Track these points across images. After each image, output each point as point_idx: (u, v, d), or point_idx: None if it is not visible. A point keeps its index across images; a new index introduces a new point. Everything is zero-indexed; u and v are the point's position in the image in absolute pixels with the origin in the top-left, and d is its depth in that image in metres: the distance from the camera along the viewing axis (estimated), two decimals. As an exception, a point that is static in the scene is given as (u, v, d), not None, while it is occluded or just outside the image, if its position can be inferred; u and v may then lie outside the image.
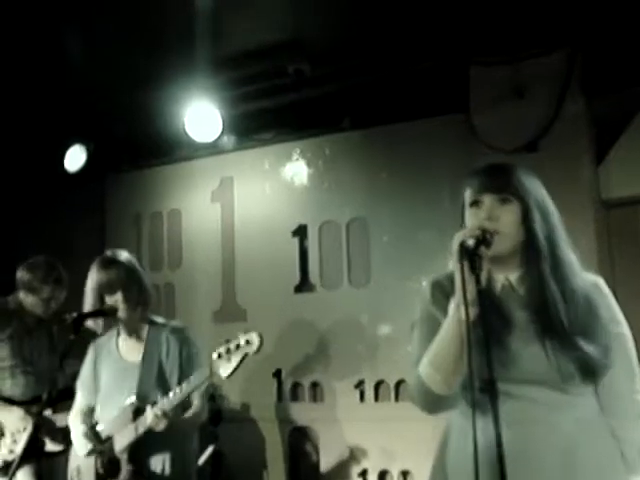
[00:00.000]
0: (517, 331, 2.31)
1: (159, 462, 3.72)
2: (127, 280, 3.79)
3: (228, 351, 3.45)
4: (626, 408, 2.34)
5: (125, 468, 3.65)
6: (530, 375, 2.25)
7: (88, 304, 3.79)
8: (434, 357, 2.32)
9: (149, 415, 3.55)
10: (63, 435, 4.31)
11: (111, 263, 3.82)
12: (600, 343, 2.26)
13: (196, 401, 3.81)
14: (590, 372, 2.26)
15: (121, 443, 3.68)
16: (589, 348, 2.24)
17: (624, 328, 2.39)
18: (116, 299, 3.75)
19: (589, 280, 2.39)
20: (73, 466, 3.91)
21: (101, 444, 3.77)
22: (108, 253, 3.92)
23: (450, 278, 2.33)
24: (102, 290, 3.76)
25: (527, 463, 2.09)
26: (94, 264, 3.85)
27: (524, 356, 2.26)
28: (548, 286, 2.29)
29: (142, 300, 3.87)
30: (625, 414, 2.34)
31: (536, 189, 2.38)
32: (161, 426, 3.54)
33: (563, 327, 2.25)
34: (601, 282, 2.43)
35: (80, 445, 3.83)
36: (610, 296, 2.42)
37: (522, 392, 2.20)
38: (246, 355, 3.44)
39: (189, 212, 6.19)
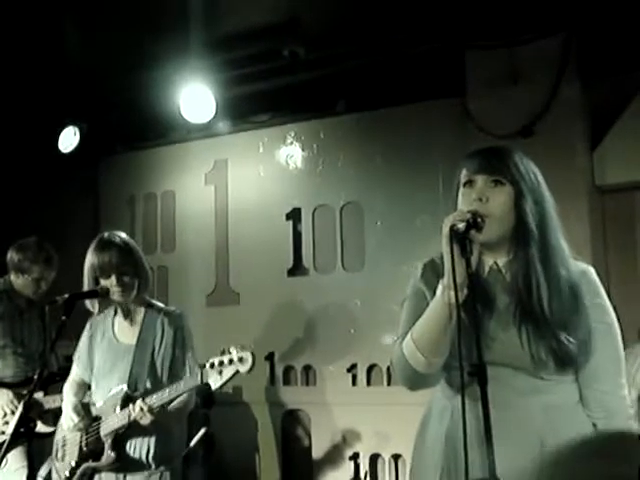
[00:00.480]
0: (497, 315, 2.32)
1: (143, 450, 3.72)
2: (121, 263, 3.76)
3: (221, 364, 3.44)
4: (609, 402, 2.32)
5: (107, 453, 3.66)
6: (504, 358, 2.26)
7: (85, 285, 3.77)
8: (418, 337, 2.33)
9: (136, 408, 3.55)
10: (54, 417, 4.31)
11: (105, 246, 3.77)
12: (578, 336, 2.26)
13: (184, 395, 3.78)
14: (565, 362, 2.26)
15: (107, 427, 3.68)
16: (566, 339, 2.23)
17: (610, 319, 2.37)
18: (110, 282, 3.74)
19: (579, 269, 2.38)
20: (59, 436, 3.92)
21: (87, 421, 3.77)
22: (105, 235, 3.85)
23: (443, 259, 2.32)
24: (96, 272, 3.74)
25: (498, 445, 2.09)
26: (91, 246, 3.81)
27: (500, 339, 2.27)
28: (534, 272, 2.29)
29: (137, 283, 3.84)
30: (607, 409, 2.32)
31: (531, 174, 2.36)
32: (145, 421, 3.54)
33: (543, 315, 2.25)
34: (590, 271, 2.41)
35: (67, 417, 3.83)
36: (598, 286, 2.40)
37: (495, 374, 2.18)
38: (237, 372, 3.45)
39: (183, 194, 6.18)
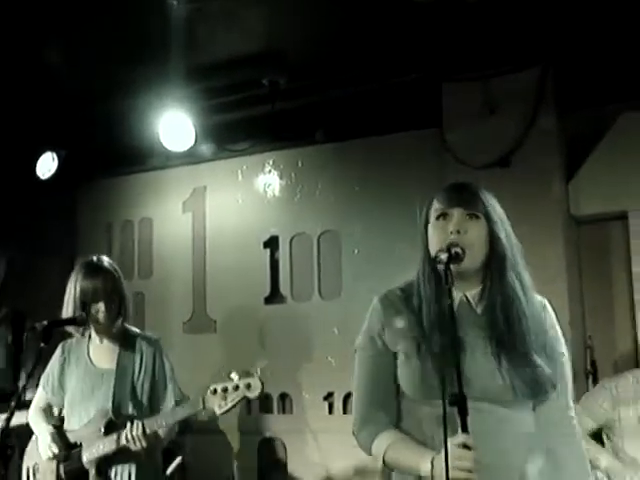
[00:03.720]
0: (471, 349, 2.32)
1: (124, 476, 3.69)
2: (111, 290, 3.77)
3: (225, 390, 3.45)
4: (561, 428, 2.40)
5: (94, 479, 3.62)
6: (483, 392, 2.26)
7: (69, 311, 3.73)
8: (391, 462, 2.40)
9: (129, 433, 3.53)
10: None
11: (96, 271, 3.77)
12: (552, 361, 2.33)
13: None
14: (541, 389, 2.30)
15: (90, 454, 3.64)
16: (543, 365, 2.29)
17: (564, 350, 2.45)
18: (98, 308, 3.72)
19: (542, 302, 2.46)
20: (30, 463, 3.85)
21: (68, 450, 3.72)
22: (93, 259, 3.85)
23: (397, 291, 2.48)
24: (86, 298, 3.71)
25: (483, 473, 2.11)
26: (77, 270, 3.79)
27: (477, 374, 2.26)
28: (515, 301, 2.33)
29: (122, 310, 3.85)
30: (563, 433, 2.39)
31: (498, 209, 2.43)
32: (138, 445, 3.53)
33: (524, 344, 2.29)
34: (547, 302, 2.48)
35: (45, 448, 3.75)
36: (555, 321, 2.47)
37: (475, 407, 2.17)
38: (244, 398, 3.45)
39: (161, 221, 6.17)
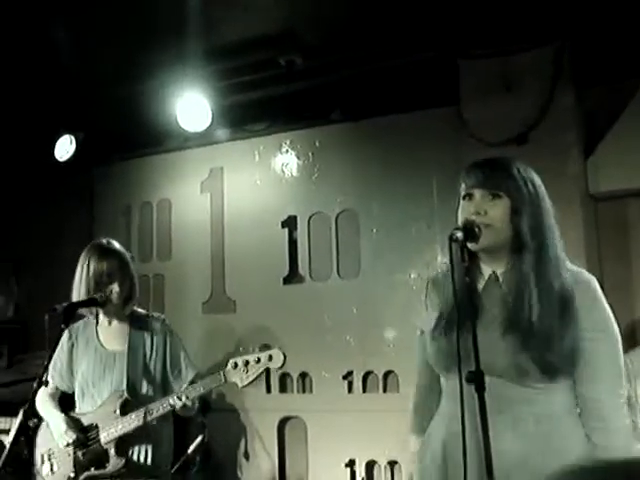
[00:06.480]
0: (486, 325, 2.34)
1: (142, 455, 3.74)
2: (123, 271, 3.81)
3: (246, 363, 3.49)
4: (603, 411, 2.32)
5: (113, 460, 3.66)
6: (492, 368, 2.26)
7: (82, 292, 3.76)
8: None
9: (178, 403, 3.59)
10: None
11: (108, 253, 3.81)
12: (565, 346, 2.28)
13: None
14: (550, 372, 2.28)
15: (109, 434, 3.68)
16: (549, 350, 2.26)
17: (607, 327, 2.36)
18: (111, 288, 3.75)
19: (576, 279, 2.38)
20: (43, 449, 3.87)
21: (83, 434, 3.75)
22: (103, 242, 3.89)
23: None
24: (100, 278, 3.74)
25: (494, 446, 2.12)
26: (90, 252, 3.82)
27: (487, 349, 2.26)
28: (527, 284, 2.32)
29: (134, 292, 3.89)
30: (602, 418, 2.32)
31: (529, 185, 2.39)
32: (187, 412, 3.69)
33: (530, 326, 2.27)
34: (587, 281, 2.40)
35: (59, 435, 3.77)
36: (596, 296, 2.38)
37: (487, 383, 2.18)
38: (267, 369, 3.49)
39: (179, 202, 6.19)
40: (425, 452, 2.55)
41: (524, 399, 2.30)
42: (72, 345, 3.96)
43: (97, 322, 3.95)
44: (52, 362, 3.91)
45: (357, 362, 5.32)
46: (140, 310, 4.02)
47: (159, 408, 3.61)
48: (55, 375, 3.96)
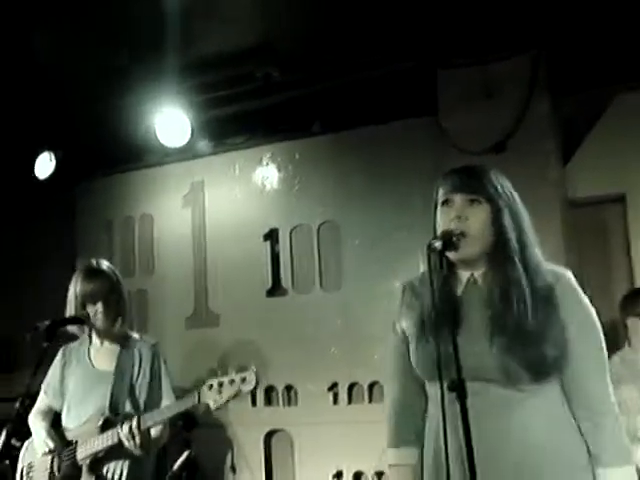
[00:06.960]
0: (470, 329, 2.34)
1: (116, 474, 3.72)
2: (109, 291, 3.82)
3: (221, 385, 3.47)
4: (593, 401, 2.33)
5: (85, 477, 3.65)
6: (478, 372, 2.26)
7: (70, 312, 3.79)
8: None
9: (124, 427, 3.55)
10: None
11: (94, 274, 3.84)
12: (553, 345, 2.27)
13: (160, 426, 3.79)
14: (539, 373, 2.27)
15: (85, 450, 3.67)
16: (539, 350, 2.25)
17: (588, 321, 2.37)
18: (96, 309, 3.77)
19: (555, 275, 2.38)
20: (26, 462, 3.88)
21: (61, 446, 3.75)
22: (92, 263, 3.93)
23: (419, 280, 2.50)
24: (85, 299, 3.77)
25: (483, 458, 2.12)
26: (78, 273, 3.87)
27: (473, 353, 2.26)
28: (517, 286, 2.31)
29: (121, 312, 3.89)
30: (591, 408, 2.32)
31: (507, 191, 2.40)
32: (132, 443, 3.55)
33: (520, 328, 2.26)
34: (566, 276, 2.40)
35: (40, 443, 3.78)
36: (576, 291, 2.39)
37: (473, 388, 2.17)
38: (240, 392, 3.47)
39: (161, 217, 6.18)
40: (422, 463, 2.55)
41: (512, 401, 2.29)
42: (64, 363, 3.97)
43: (90, 342, 3.96)
44: (46, 380, 3.99)
45: (342, 373, 5.32)
46: (133, 333, 4.04)
47: (128, 426, 3.58)
48: (49, 393, 3.98)
